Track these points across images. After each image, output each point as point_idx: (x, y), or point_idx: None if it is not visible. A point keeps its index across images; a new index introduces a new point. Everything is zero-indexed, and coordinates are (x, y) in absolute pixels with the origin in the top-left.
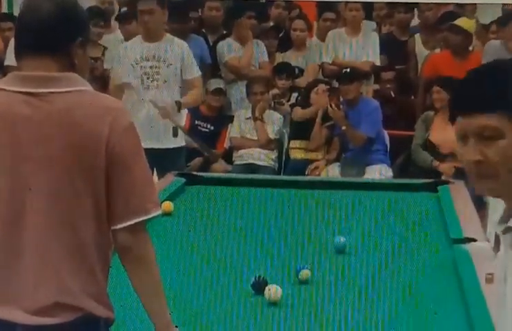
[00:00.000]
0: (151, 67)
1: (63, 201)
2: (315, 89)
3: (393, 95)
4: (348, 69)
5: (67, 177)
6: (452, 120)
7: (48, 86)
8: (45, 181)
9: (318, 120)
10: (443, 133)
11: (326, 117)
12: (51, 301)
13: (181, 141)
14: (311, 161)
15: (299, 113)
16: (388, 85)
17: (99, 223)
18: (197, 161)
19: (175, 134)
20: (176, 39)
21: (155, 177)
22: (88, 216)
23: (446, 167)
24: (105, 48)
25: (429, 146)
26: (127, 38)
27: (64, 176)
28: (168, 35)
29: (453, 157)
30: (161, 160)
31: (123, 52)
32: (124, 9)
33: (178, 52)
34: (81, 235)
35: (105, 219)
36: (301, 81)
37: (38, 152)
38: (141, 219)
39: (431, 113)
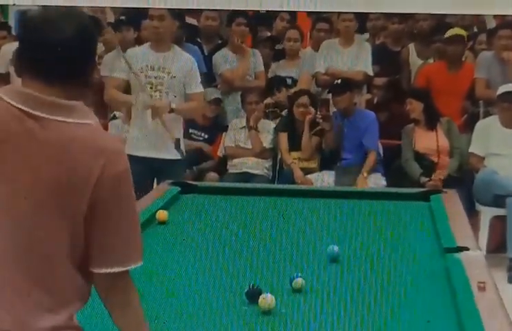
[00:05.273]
0: (156, 77)
1: (35, 233)
2: (297, 101)
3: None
4: (340, 81)
5: (43, 210)
6: (431, 128)
7: (49, 112)
8: (19, 209)
9: (306, 130)
10: (425, 141)
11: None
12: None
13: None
14: (305, 170)
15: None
16: (379, 91)
17: (72, 261)
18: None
19: (177, 147)
20: (184, 53)
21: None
22: (61, 254)
23: (432, 184)
24: (99, 56)
25: (418, 156)
26: (123, 46)
27: (40, 208)
28: (176, 47)
29: (441, 164)
30: (160, 170)
31: (130, 59)
32: (122, 17)
33: (184, 66)
34: (54, 272)
35: (81, 259)
36: None
37: (20, 177)
38: (122, 269)
39: (410, 125)
